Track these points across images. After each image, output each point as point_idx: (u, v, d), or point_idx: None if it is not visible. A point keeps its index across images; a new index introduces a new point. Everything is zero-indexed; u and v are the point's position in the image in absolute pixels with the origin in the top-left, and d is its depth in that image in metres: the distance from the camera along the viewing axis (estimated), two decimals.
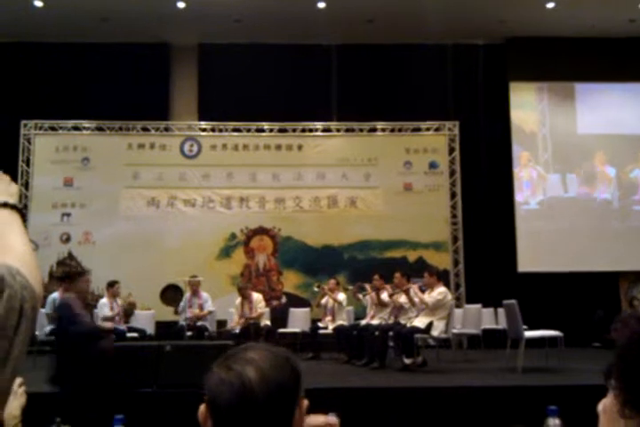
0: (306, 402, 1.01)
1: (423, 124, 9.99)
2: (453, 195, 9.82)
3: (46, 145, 9.69)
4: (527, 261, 9.67)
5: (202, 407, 0.98)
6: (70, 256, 9.40)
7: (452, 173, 9.87)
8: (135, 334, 7.58)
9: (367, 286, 7.78)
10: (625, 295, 9.83)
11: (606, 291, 9.59)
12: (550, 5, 9.03)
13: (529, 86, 10.29)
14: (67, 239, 9.45)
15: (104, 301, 7.71)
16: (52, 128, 9.76)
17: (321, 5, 9.05)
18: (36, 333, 7.75)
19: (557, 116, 10.29)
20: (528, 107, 10.26)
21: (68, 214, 9.52)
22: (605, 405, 0.86)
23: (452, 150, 9.93)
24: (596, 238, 9.82)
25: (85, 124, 9.78)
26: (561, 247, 9.70)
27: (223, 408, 0.95)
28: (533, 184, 10.18)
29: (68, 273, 4.23)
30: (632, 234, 9.87)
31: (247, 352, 1.01)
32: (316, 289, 8.43)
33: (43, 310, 7.67)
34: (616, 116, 10.16)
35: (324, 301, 8.24)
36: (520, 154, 10.18)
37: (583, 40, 9.80)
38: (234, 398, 0.94)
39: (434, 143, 9.96)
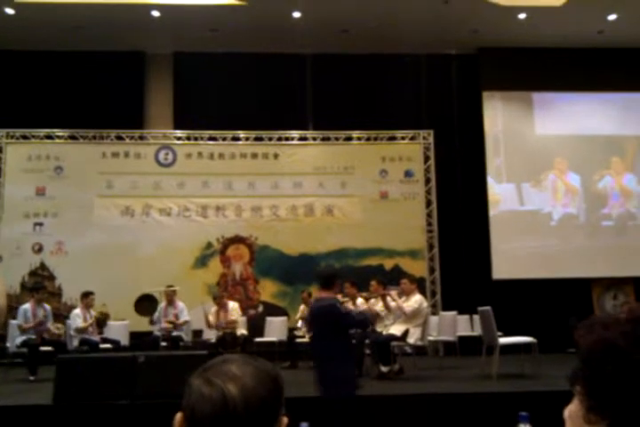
0: (285, 420, 0.99)
1: (398, 133, 10.06)
2: (429, 203, 9.89)
3: (18, 154, 9.54)
4: (501, 269, 9.73)
5: (178, 416, 0.96)
6: (42, 266, 9.27)
7: (427, 182, 9.95)
8: (109, 345, 7.47)
9: (338, 297, 7.77)
10: (597, 301, 9.97)
11: (579, 297, 9.71)
12: (522, 16, 9.19)
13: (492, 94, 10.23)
14: (39, 249, 9.29)
15: (77, 311, 7.59)
16: (25, 137, 9.62)
17: (296, 15, 9.09)
18: (7, 344, 7.59)
19: (513, 119, 10.13)
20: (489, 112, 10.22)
21: (41, 224, 9.37)
22: (571, 411, 0.87)
23: (427, 159, 10.02)
24: (563, 249, 9.76)
25: (58, 132, 9.65)
26: (533, 256, 9.72)
27: (202, 424, 0.93)
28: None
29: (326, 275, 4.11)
30: (602, 249, 9.79)
31: (229, 365, 0.97)
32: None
33: (14, 322, 7.52)
34: (581, 121, 10.04)
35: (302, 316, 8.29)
36: None
37: (554, 50, 9.98)
38: (215, 413, 0.92)
39: (409, 152, 10.03)
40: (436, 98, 10.29)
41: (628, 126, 10.19)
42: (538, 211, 10.00)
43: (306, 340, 7.88)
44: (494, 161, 10.10)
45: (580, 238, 9.90)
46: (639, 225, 10.04)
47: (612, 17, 9.22)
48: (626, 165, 10.22)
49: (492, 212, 9.94)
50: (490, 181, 10.01)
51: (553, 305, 9.30)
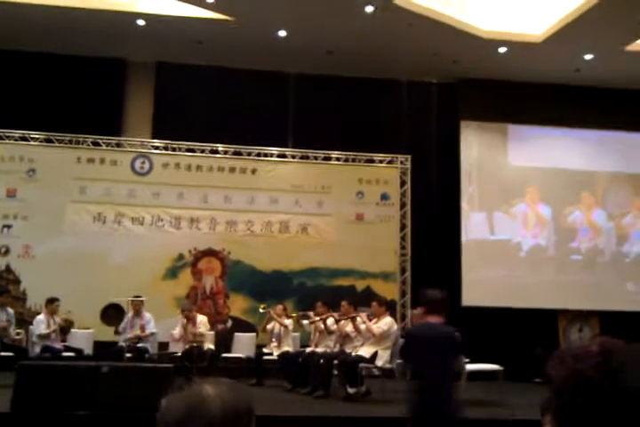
0: None
1: (376, 156, 10.16)
2: (403, 226, 9.97)
3: None
4: (471, 296, 9.75)
5: None
6: (7, 270, 9.07)
7: (402, 206, 10.04)
8: (72, 354, 7.32)
9: (310, 314, 7.78)
10: (563, 333, 10.07)
11: (545, 328, 9.78)
12: (502, 50, 9.43)
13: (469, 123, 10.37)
14: (5, 252, 9.08)
15: (41, 317, 7.44)
16: None
17: (282, 34, 9.19)
18: None
19: (488, 149, 10.30)
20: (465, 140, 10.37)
21: (9, 226, 9.16)
22: None
23: (403, 183, 10.12)
24: (532, 280, 9.84)
25: (34, 134, 9.48)
26: (501, 285, 9.79)
27: (176, 420, 0.93)
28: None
29: None
30: (569, 282, 9.92)
31: (207, 379, 1.02)
32: (261, 310, 8.34)
33: None
34: (554, 155, 10.22)
35: (270, 326, 8.16)
36: None
37: (531, 85, 10.22)
38: (189, 410, 0.93)
39: (386, 175, 10.13)
40: (415, 124, 10.45)
41: (600, 163, 10.44)
42: (508, 241, 10.12)
43: (274, 357, 7.81)
44: (468, 189, 10.26)
45: (548, 270, 10.02)
46: (607, 261, 10.23)
47: (588, 57, 9.52)
48: (596, 200, 10.45)
49: (463, 239, 10.06)
50: (463, 208, 10.15)
51: (520, 334, 9.36)
